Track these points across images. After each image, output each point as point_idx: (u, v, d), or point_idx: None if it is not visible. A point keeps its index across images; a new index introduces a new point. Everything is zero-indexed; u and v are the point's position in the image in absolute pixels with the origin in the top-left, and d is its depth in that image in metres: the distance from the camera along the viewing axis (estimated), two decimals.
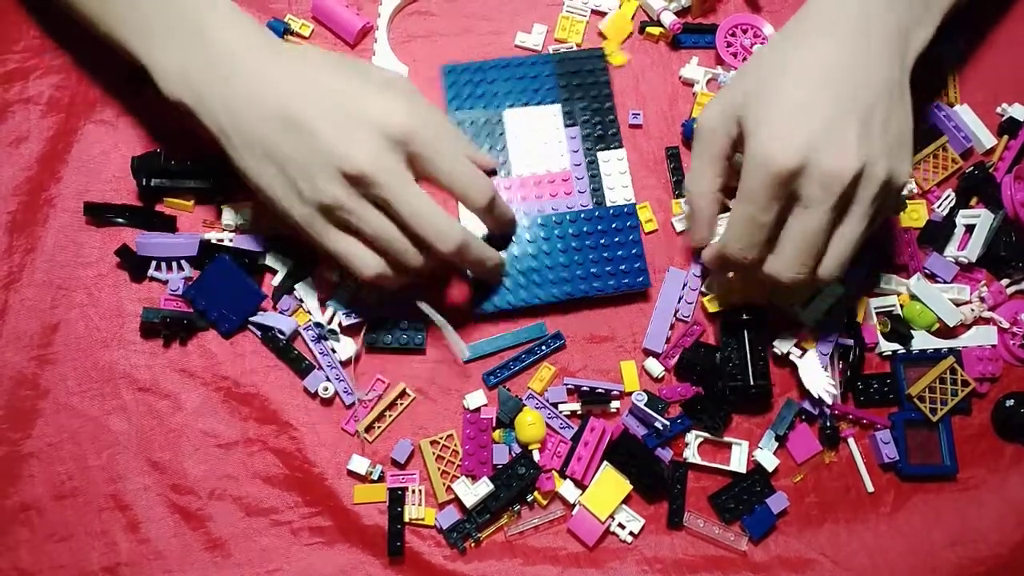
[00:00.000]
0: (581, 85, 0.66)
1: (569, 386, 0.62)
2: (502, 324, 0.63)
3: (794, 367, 0.62)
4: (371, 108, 0.52)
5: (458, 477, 0.60)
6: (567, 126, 0.65)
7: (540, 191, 0.64)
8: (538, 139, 0.65)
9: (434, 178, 0.55)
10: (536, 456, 0.60)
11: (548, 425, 0.61)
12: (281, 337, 0.61)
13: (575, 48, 0.68)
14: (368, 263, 0.55)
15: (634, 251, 0.63)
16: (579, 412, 0.62)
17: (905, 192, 0.65)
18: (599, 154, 0.65)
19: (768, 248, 0.55)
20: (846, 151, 0.52)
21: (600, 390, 0.61)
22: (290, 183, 0.53)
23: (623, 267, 0.63)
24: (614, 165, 0.65)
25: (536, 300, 0.62)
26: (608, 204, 0.64)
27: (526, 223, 0.63)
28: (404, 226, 0.54)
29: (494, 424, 0.61)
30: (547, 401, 0.62)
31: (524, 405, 0.61)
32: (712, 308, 0.63)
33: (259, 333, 0.62)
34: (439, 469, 0.60)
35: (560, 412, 0.61)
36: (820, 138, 0.52)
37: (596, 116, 0.66)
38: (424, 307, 0.60)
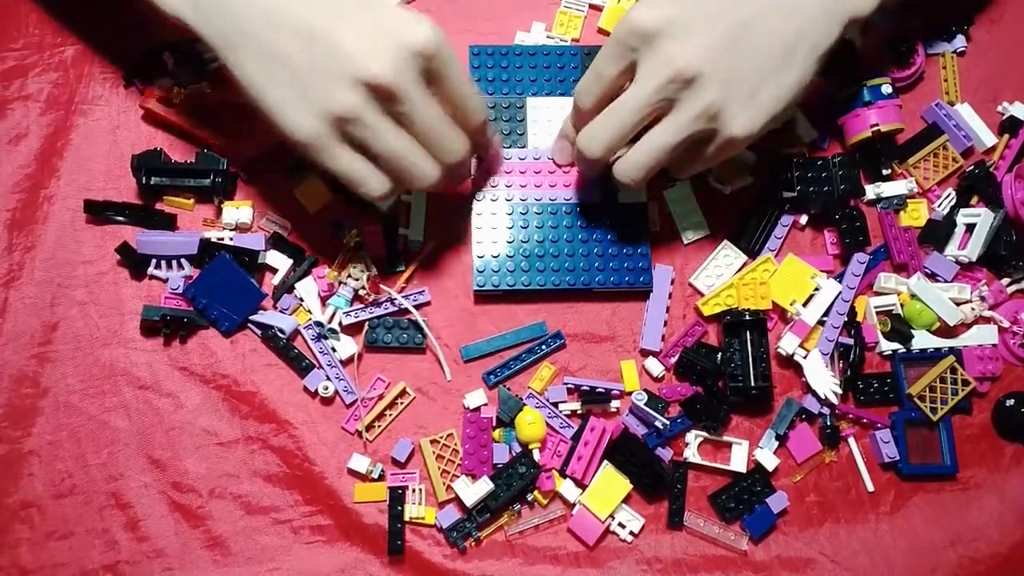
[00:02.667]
0: None
1: (569, 385, 0.62)
2: (502, 324, 0.63)
3: (797, 367, 0.62)
4: (394, 21, 0.51)
5: (458, 476, 0.60)
6: None
7: (554, 179, 0.64)
8: (558, 128, 0.65)
9: (448, 93, 0.54)
10: (536, 455, 0.60)
11: (548, 424, 0.61)
12: (281, 336, 0.61)
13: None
14: (378, 183, 0.54)
15: (640, 249, 0.63)
16: (579, 411, 0.62)
17: (905, 191, 0.65)
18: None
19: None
20: (689, 49, 0.52)
21: (600, 389, 0.61)
22: (301, 94, 0.51)
23: (627, 264, 0.63)
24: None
25: (537, 285, 0.62)
26: (620, 200, 0.64)
27: (536, 209, 0.63)
28: (417, 139, 0.53)
29: (494, 423, 0.61)
30: (547, 400, 0.62)
31: (524, 404, 0.61)
32: (706, 311, 0.63)
33: (259, 332, 0.62)
34: (439, 468, 0.60)
35: (560, 411, 0.61)
36: (681, 23, 0.52)
37: None
38: (420, 322, 0.60)
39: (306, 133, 0.52)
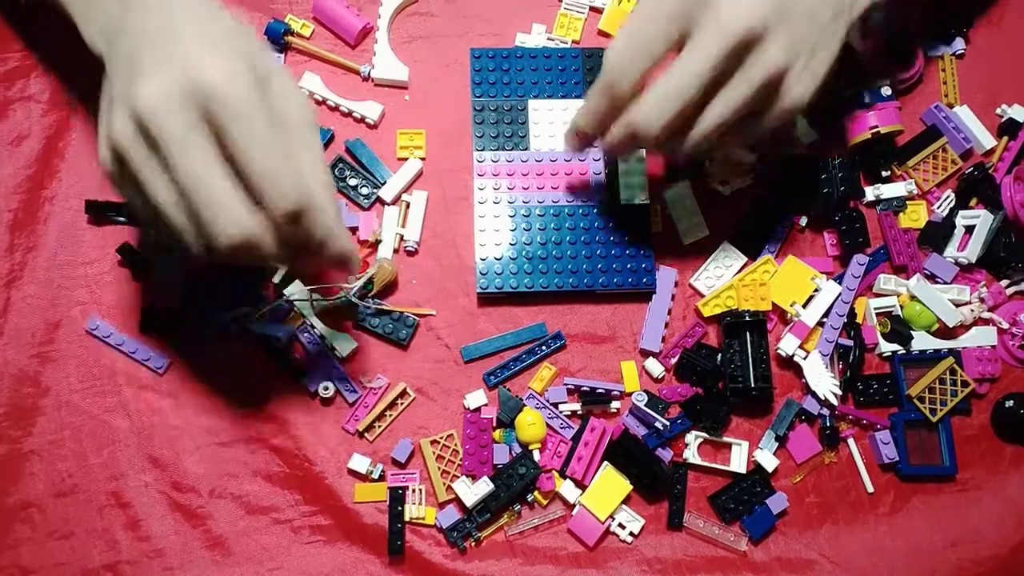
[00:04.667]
0: None
1: (569, 386, 0.62)
2: (502, 324, 0.63)
3: (796, 368, 0.62)
4: (190, 49, 0.43)
5: (458, 477, 0.60)
6: None
7: (556, 181, 0.64)
8: (559, 131, 0.65)
9: (230, 154, 0.44)
10: (536, 456, 0.60)
11: (548, 425, 0.61)
12: (278, 343, 0.61)
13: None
14: (183, 224, 0.44)
15: (642, 251, 0.63)
16: (579, 412, 0.62)
17: (904, 193, 0.65)
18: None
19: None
20: (754, 7, 0.48)
21: (600, 390, 0.61)
22: (122, 97, 0.44)
23: (630, 266, 0.63)
24: (633, 165, 0.65)
25: (540, 287, 0.62)
26: (622, 202, 0.64)
27: (538, 211, 0.63)
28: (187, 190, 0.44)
29: (494, 424, 0.61)
30: (547, 401, 0.62)
31: (524, 405, 0.61)
32: (706, 312, 0.63)
33: (255, 338, 0.61)
34: (439, 469, 0.60)
35: (560, 412, 0.61)
36: None
37: None
38: (296, 297, 0.58)
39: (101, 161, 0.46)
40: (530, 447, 0.60)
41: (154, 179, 0.44)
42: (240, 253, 0.45)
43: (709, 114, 0.51)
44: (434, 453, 0.60)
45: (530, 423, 0.60)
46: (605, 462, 0.61)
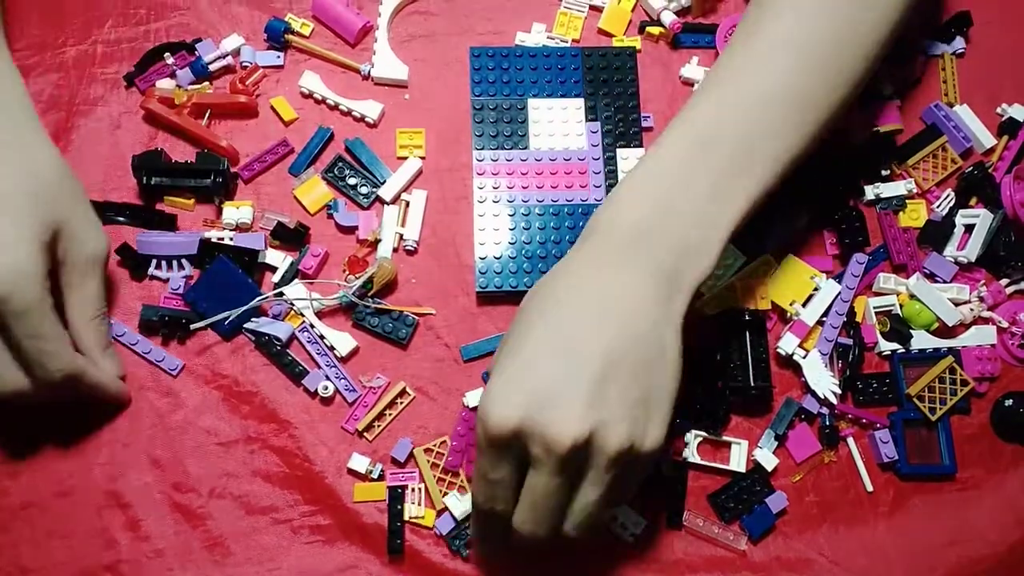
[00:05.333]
0: (607, 81, 0.67)
1: None
2: (502, 323, 0.63)
3: (796, 367, 0.62)
4: None
5: (454, 483, 0.60)
6: (588, 120, 0.66)
7: (556, 180, 0.64)
8: (559, 130, 0.65)
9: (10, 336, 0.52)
10: None
11: None
12: (277, 343, 0.61)
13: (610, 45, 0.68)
14: None
15: None
16: None
17: (904, 192, 0.65)
18: (619, 151, 0.65)
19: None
20: (569, 415, 0.46)
21: None
22: None
23: None
24: (633, 163, 0.65)
25: None
26: None
27: (538, 210, 0.63)
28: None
29: None
30: None
31: None
32: (706, 311, 0.63)
33: (254, 339, 0.61)
34: (435, 476, 0.60)
35: None
36: (542, 398, 0.47)
37: (619, 113, 0.66)
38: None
39: None
40: None
41: None
42: (11, 400, 0.54)
43: (579, 505, 0.49)
44: (428, 461, 0.60)
45: None
46: None
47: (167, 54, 0.64)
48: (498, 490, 0.50)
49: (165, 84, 0.65)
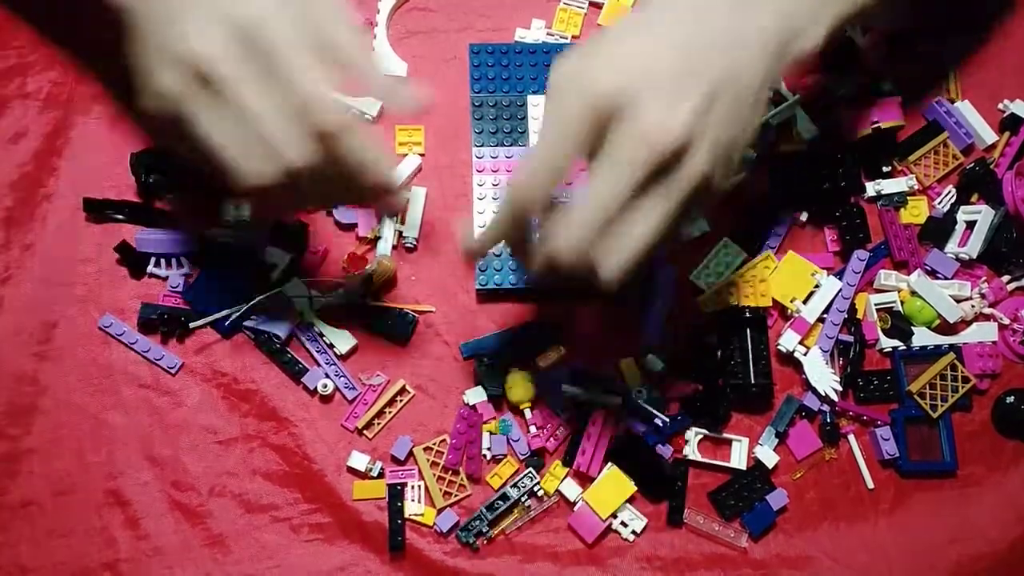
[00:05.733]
0: None
1: (575, 370, 0.62)
2: (502, 321, 0.63)
3: (797, 364, 0.62)
4: None
5: (454, 482, 0.60)
6: None
7: None
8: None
9: (278, 81, 0.44)
10: (528, 415, 0.60)
11: (546, 402, 0.61)
12: (276, 341, 0.61)
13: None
14: (254, 159, 0.45)
15: None
16: (579, 398, 0.61)
17: (905, 189, 0.65)
18: None
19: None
20: (676, 113, 0.43)
21: (602, 378, 0.61)
22: (167, 51, 0.45)
23: None
24: None
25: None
26: None
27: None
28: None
29: (484, 419, 0.61)
30: (551, 379, 0.61)
31: (511, 369, 0.61)
32: (707, 309, 0.63)
33: (253, 337, 0.61)
34: (435, 475, 0.60)
35: (561, 392, 0.61)
36: (656, 83, 0.43)
37: None
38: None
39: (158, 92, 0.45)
40: (521, 407, 0.60)
41: (210, 123, 0.45)
42: (294, 185, 0.46)
43: (639, 229, 0.45)
44: (428, 459, 0.60)
45: (518, 383, 0.60)
46: (610, 463, 0.61)
47: None
48: (551, 175, 0.45)
49: None
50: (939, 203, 0.66)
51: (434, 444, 0.61)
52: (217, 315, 0.60)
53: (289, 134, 0.45)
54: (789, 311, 0.63)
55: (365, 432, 0.61)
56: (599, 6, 0.69)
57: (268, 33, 0.44)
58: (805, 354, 0.62)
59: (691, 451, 0.61)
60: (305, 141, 0.45)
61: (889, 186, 0.65)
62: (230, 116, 0.44)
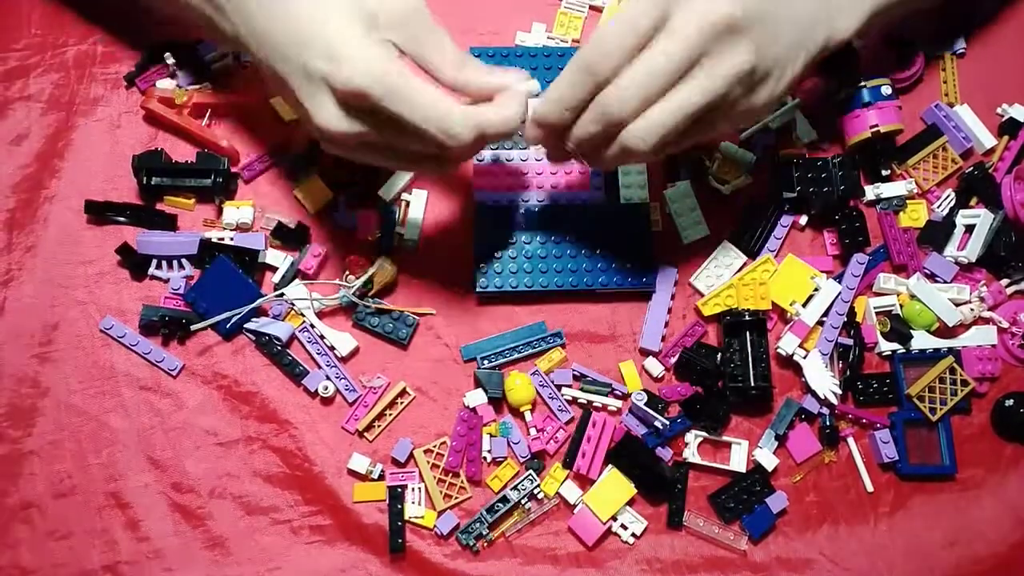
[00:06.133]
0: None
1: (576, 372, 0.62)
2: (503, 324, 0.63)
3: (796, 367, 0.62)
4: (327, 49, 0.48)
5: (455, 484, 0.60)
6: None
7: (556, 180, 0.64)
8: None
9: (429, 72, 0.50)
10: (528, 417, 0.60)
11: (546, 404, 0.61)
12: (277, 343, 0.61)
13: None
14: (462, 125, 0.50)
15: (642, 250, 0.63)
16: (580, 400, 0.62)
17: (904, 192, 0.65)
18: None
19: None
20: (732, 1, 0.48)
21: (603, 381, 0.61)
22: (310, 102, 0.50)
23: (630, 265, 0.63)
24: (633, 164, 0.65)
25: (540, 287, 0.62)
26: (622, 201, 0.64)
27: (538, 210, 0.63)
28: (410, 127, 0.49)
29: (485, 422, 0.61)
30: (551, 381, 0.62)
31: (511, 372, 0.61)
32: (706, 312, 0.63)
33: (254, 339, 0.61)
34: (435, 477, 0.60)
35: (561, 395, 0.62)
36: None
37: None
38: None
39: (366, 71, 0.48)
40: (521, 409, 0.61)
41: (385, 134, 0.50)
42: (477, 143, 0.51)
43: (674, 98, 0.49)
44: (428, 462, 0.60)
45: (518, 385, 0.60)
46: (610, 465, 0.61)
47: (167, 54, 0.64)
48: (627, 38, 0.48)
49: (165, 84, 0.64)
50: (938, 207, 0.67)
51: (434, 446, 0.61)
52: (218, 317, 0.60)
53: (460, 119, 0.49)
54: (789, 314, 0.63)
55: (366, 434, 0.61)
56: (599, 9, 0.69)
57: (410, 28, 0.49)
58: (805, 357, 0.62)
59: (691, 454, 0.61)
60: (466, 119, 0.50)
61: (888, 190, 0.66)
62: (395, 128, 0.49)
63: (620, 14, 0.49)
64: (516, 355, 0.62)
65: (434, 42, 0.50)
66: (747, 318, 0.61)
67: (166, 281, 0.62)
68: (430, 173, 0.52)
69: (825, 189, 0.64)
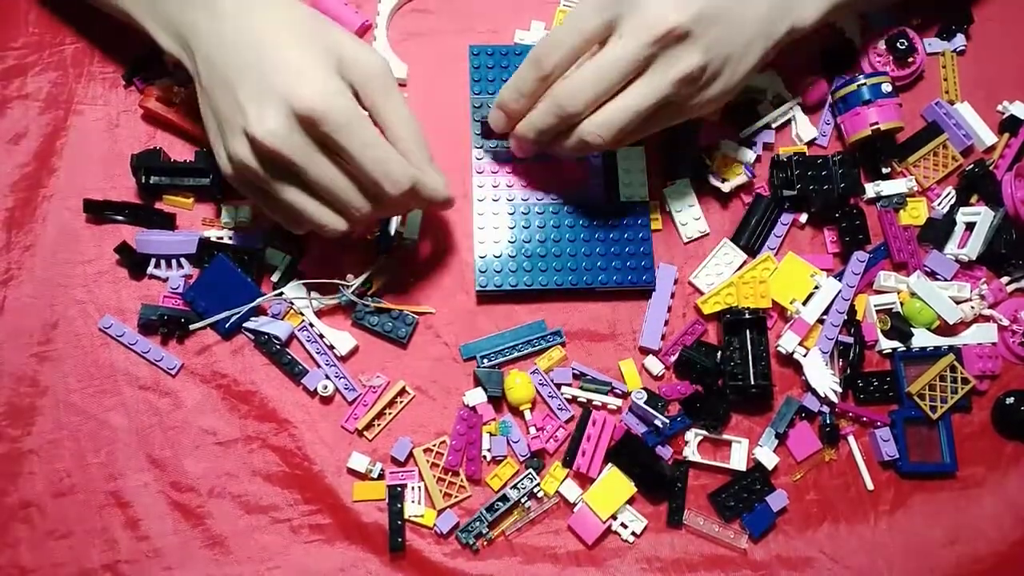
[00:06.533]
0: None
1: (575, 371, 0.62)
2: (502, 322, 0.63)
3: (796, 366, 0.62)
4: (283, 76, 0.50)
5: (454, 483, 0.60)
6: None
7: (556, 178, 0.64)
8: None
9: (343, 157, 0.52)
10: (528, 416, 0.60)
11: (545, 402, 0.61)
12: (276, 342, 0.61)
13: None
14: (329, 219, 0.53)
15: (642, 248, 0.63)
16: (579, 399, 0.62)
17: (904, 190, 0.65)
18: (619, 149, 0.65)
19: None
20: (683, 9, 0.51)
21: (602, 380, 0.61)
22: (236, 124, 0.51)
23: (630, 263, 0.63)
24: (633, 162, 0.64)
25: (539, 285, 0.62)
26: (622, 199, 0.64)
27: (538, 208, 0.63)
28: (349, 172, 0.52)
29: (484, 421, 0.61)
30: (551, 380, 0.62)
31: (511, 370, 0.61)
32: (706, 310, 0.63)
33: (253, 338, 0.61)
34: (435, 476, 0.60)
35: (561, 393, 0.62)
36: None
37: None
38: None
39: (238, 165, 0.52)
40: (520, 407, 0.61)
41: (281, 188, 0.52)
42: (406, 197, 0.53)
43: (624, 98, 0.53)
44: (428, 461, 0.60)
45: (518, 383, 0.60)
46: (610, 464, 0.61)
47: (166, 54, 0.64)
48: (572, 40, 0.53)
49: (164, 83, 0.64)
50: (938, 204, 0.66)
51: (434, 445, 0.61)
52: (217, 316, 0.60)
53: (355, 200, 0.53)
54: (789, 312, 0.63)
55: (365, 433, 0.61)
56: None
57: (328, 120, 0.50)
58: (805, 355, 0.62)
59: (691, 452, 0.61)
60: (365, 204, 0.53)
61: (888, 187, 0.65)
62: (293, 185, 0.52)
63: (570, 14, 0.54)
64: (516, 354, 0.62)
65: (393, 102, 0.53)
66: (747, 316, 0.61)
67: (165, 280, 0.62)
68: (326, 230, 0.53)
69: (825, 187, 0.64)
